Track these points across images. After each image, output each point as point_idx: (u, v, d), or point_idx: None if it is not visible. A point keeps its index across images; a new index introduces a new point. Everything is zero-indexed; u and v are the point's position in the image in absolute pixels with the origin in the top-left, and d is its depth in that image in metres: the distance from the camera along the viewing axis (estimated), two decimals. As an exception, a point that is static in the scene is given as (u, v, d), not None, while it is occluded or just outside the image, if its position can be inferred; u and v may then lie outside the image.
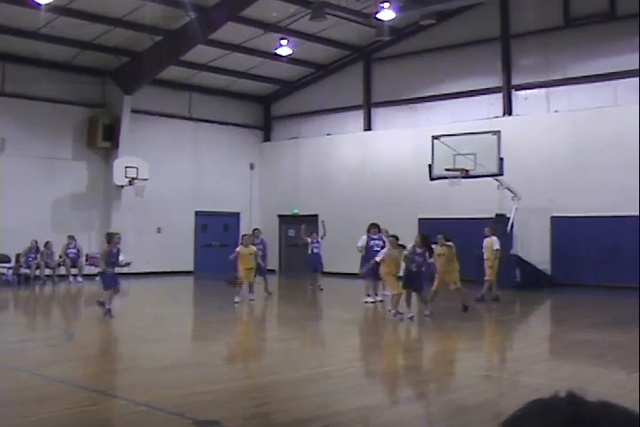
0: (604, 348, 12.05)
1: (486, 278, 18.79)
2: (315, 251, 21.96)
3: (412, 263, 15.59)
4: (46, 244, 24.75)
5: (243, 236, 20.09)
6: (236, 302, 18.27)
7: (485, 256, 18.93)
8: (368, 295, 18.45)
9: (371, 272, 17.81)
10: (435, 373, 10.09)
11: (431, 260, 15.79)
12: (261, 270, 20.34)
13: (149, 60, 25.87)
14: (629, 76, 22.66)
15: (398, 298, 15.46)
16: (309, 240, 22.04)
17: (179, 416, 7.19)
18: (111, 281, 15.47)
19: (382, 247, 17.96)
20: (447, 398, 8.51)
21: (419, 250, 15.68)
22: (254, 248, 19.19)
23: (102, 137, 26.93)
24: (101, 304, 15.40)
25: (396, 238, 15.96)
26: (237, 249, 18.97)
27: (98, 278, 16.70)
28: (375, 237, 18.65)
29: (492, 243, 18.94)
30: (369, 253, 18.13)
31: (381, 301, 18.29)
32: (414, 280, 15.53)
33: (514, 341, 14.11)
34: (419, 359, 11.68)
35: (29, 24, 23.36)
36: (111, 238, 15.65)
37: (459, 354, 12.18)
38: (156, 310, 17.47)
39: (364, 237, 18.91)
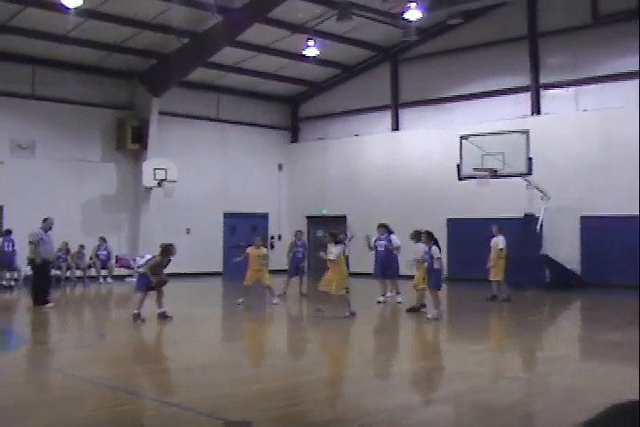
0: (634, 348, 11.95)
1: (491, 279, 18.85)
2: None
3: (424, 263, 15.65)
4: (79, 247, 24.96)
5: (258, 238, 19.74)
6: (239, 304, 18.28)
7: (491, 256, 18.96)
8: (382, 295, 18.77)
9: (379, 272, 18.52)
10: (463, 374, 10.06)
11: (439, 255, 15.43)
12: (300, 272, 21.06)
13: (177, 63, 26.02)
14: (659, 74, 22.48)
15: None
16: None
17: (209, 417, 7.23)
18: (144, 284, 15.45)
19: (386, 247, 18.43)
20: (476, 398, 8.48)
21: (425, 248, 15.56)
22: (265, 251, 19.08)
23: (131, 139, 27.10)
24: (136, 316, 15.06)
25: (334, 236, 15.74)
26: (247, 250, 18.83)
27: (134, 279, 16.68)
28: (382, 236, 18.69)
29: (497, 243, 18.95)
30: (377, 252, 18.73)
31: (400, 302, 18.24)
32: (428, 279, 15.54)
33: (544, 341, 14.03)
34: (446, 360, 11.64)
35: (58, 28, 23.58)
36: (167, 251, 15.23)
37: (487, 354, 12.13)
38: (186, 312, 17.53)
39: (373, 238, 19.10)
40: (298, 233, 21.92)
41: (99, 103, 26.97)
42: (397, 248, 18.62)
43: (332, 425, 7.01)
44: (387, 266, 18.47)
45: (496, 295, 18.76)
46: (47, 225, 18.27)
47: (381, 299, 18.57)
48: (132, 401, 8.31)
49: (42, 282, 18.18)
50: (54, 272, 24.28)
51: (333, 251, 15.59)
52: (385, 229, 18.92)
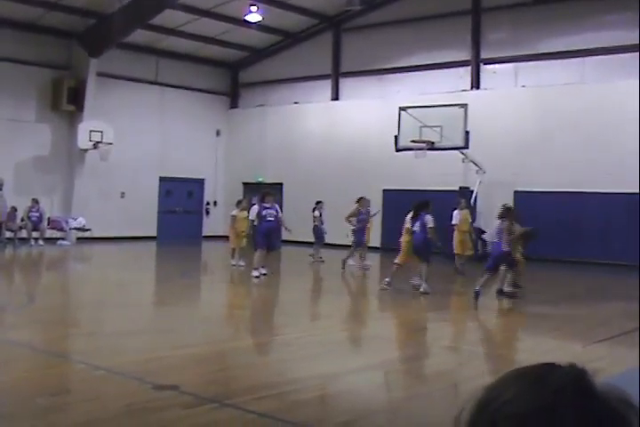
0: (561, 321, 12.23)
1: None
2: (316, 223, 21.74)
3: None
4: (12, 208, 24.33)
5: (239, 201, 20.23)
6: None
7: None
8: (255, 269, 17.19)
9: (264, 242, 17.25)
10: (395, 342, 10.20)
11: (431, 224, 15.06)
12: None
13: (117, 23, 25.47)
14: (597, 54, 22.74)
15: None
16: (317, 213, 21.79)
17: (138, 380, 7.21)
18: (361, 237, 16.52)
19: (276, 217, 17.47)
20: (407, 366, 8.60)
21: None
22: (246, 213, 18.77)
23: (67, 100, 26.55)
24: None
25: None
26: (233, 212, 19.49)
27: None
28: (268, 205, 17.65)
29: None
30: (261, 222, 17.34)
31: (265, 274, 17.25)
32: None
33: (473, 313, 14.25)
34: (380, 329, 11.76)
35: (-6, -18, 22.92)
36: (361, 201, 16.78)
37: (419, 325, 12.30)
38: (119, 276, 17.41)
39: (256, 207, 17.77)
40: (363, 200, 19.60)
41: (34, 62, 26.33)
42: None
43: (260, 391, 7.04)
44: (275, 237, 17.75)
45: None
46: None
47: (256, 273, 17.05)
48: (60, 365, 8.25)
49: None
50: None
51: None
52: (274, 198, 18.37)
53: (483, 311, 14.23)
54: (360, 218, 19.16)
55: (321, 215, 21.70)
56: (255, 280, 16.70)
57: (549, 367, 1.13)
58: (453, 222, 18.88)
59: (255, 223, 17.43)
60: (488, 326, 12.13)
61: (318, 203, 21.85)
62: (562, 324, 11.96)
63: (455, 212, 19.20)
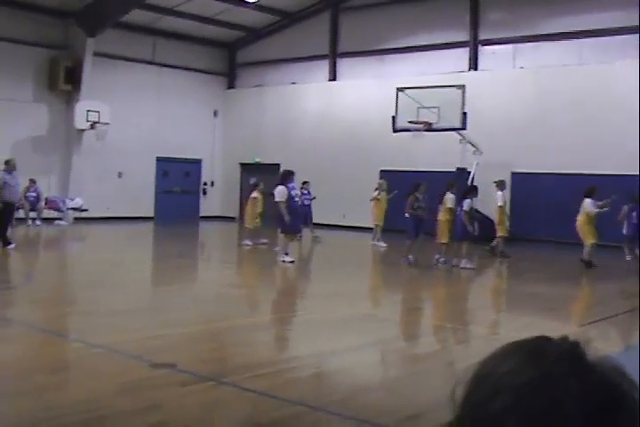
0: (557, 301, 12.29)
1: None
2: (305, 203, 21.64)
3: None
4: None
5: (256, 183, 21.07)
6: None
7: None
8: (286, 254, 16.27)
9: (298, 226, 16.80)
10: (391, 321, 10.24)
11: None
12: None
13: (114, 2, 25.37)
14: (595, 36, 22.68)
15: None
16: (299, 193, 21.61)
17: (135, 359, 7.26)
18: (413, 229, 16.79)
19: (299, 197, 17.36)
20: (402, 345, 8.66)
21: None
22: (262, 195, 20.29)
23: (64, 80, 26.47)
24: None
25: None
26: (254, 194, 20.43)
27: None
28: (293, 186, 16.70)
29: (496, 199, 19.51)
30: (291, 204, 16.20)
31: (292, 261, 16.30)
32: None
33: (470, 292, 14.32)
34: (377, 308, 11.83)
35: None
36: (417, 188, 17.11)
37: (415, 304, 12.35)
38: (116, 256, 17.43)
39: (282, 188, 16.10)
40: (421, 186, 17.60)
41: (31, 42, 26.20)
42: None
43: (256, 369, 7.09)
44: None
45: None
46: (11, 167, 18.25)
47: (290, 258, 16.20)
48: (57, 343, 8.30)
49: (3, 224, 18.01)
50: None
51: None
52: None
53: (481, 291, 14.31)
54: (417, 205, 17.18)
55: (309, 193, 21.93)
56: (289, 265, 16.07)
57: (543, 340, 1.15)
58: None
59: (284, 205, 15.91)
60: (483, 305, 12.18)
61: (304, 183, 21.99)
62: (557, 304, 12.02)
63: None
